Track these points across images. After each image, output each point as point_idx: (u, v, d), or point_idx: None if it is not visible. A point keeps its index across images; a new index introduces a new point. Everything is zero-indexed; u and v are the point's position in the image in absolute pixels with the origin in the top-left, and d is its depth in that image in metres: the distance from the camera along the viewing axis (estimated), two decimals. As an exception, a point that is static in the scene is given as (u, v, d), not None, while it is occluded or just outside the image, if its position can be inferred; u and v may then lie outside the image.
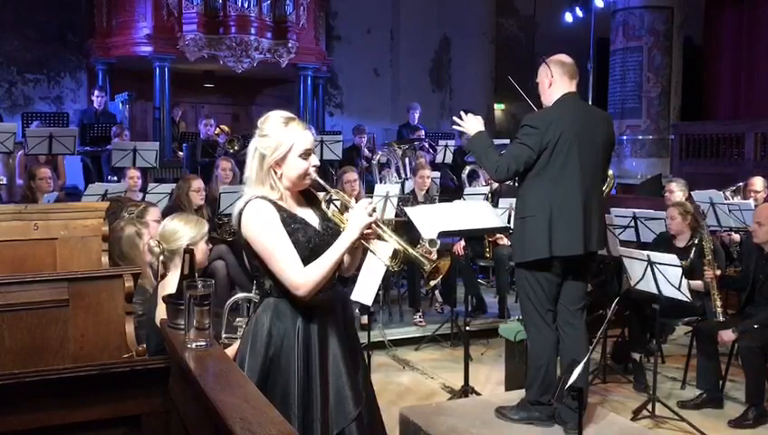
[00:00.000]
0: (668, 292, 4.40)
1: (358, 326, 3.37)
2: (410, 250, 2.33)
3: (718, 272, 4.87)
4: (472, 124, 3.75)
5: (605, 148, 3.73)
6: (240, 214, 2.35)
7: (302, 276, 2.28)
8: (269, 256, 2.31)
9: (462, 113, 3.83)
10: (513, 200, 4.63)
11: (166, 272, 3.00)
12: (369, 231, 2.34)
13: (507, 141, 9.49)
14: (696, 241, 5.10)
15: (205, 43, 10.80)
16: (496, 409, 3.87)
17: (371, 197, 6.35)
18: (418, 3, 14.45)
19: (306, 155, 2.38)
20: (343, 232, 2.34)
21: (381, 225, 2.37)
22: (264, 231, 2.30)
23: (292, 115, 2.44)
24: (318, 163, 2.44)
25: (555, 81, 3.66)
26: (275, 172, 2.37)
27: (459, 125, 3.81)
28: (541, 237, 3.51)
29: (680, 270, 4.34)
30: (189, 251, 2.23)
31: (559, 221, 3.50)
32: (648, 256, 4.44)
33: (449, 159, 9.55)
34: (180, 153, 10.38)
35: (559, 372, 3.67)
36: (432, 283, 2.41)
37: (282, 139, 2.36)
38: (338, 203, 2.50)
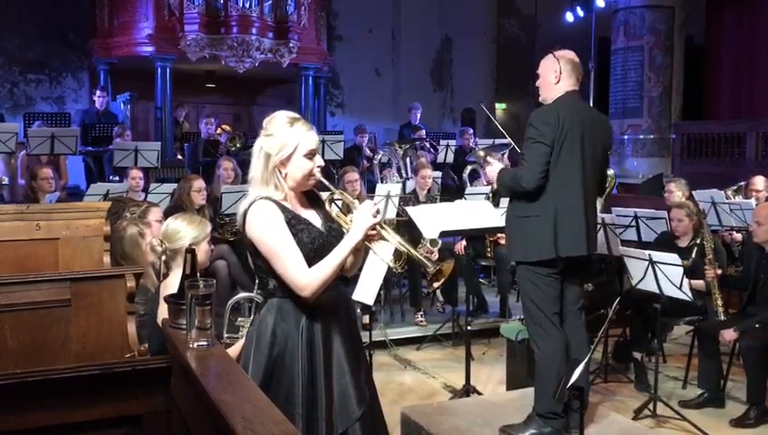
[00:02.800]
0: (670, 291, 4.40)
1: (359, 326, 3.37)
2: (413, 252, 2.33)
3: (719, 271, 4.87)
4: (491, 169, 3.71)
5: (604, 150, 3.70)
6: (244, 214, 2.35)
7: (307, 277, 2.29)
8: (274, 257, 2.31)
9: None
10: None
11: (168, 272, 3.01)
12: (373, 232, 2.34)
13: (509, 141, 9.53)
14: (698, 241, 5.11)
15: (206, 43, 10.80)
16: (501, 428, 3.69)
17: (373, 196, 6.36)
18: (420, 3, 14.46)
19: (311, 155, 2.39)
20: (347, 233, 2.35)
21: (385, 226, 2.37)
22: (269, 232, 2.31)
23: (297, 115, 2.45)
24: (322, 164, 2.45)
25: (562, 78, 3.56)
26: (280, 172, 2.37)
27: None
28: (545, 238, 3.44)
29: (681, 269, 4.34)
30: (191, 251, 2.23)
31: (564, 221, 3.44)
32: (649, 255, 4.44)
33: (450, 158, 9.58)
34: (180, 156, 10.39)
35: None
36: (435, 285, 2.40)
37: (287, 139, 2.36)
38: (341, 204, 2.50)
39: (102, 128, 9.40)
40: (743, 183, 6.97)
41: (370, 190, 6.89)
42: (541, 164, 3.42)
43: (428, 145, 9.77)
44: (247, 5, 10.88)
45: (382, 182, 7.89)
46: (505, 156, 8.49)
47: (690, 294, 4.39)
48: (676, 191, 6.10)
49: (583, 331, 3.68)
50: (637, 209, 5.73)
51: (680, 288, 4.33)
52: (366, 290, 3.86)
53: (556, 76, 3.57)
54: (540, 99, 3.70)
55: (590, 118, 3.61)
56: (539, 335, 3.56)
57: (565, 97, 3.57)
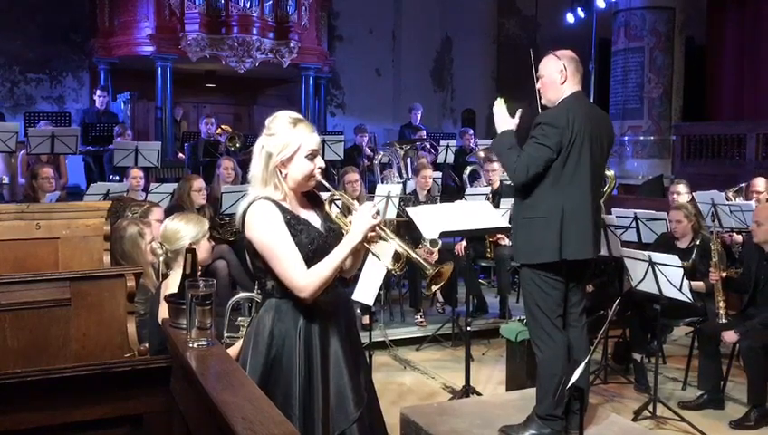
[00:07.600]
0: (670, 292, 4.39)
1: (359, 326, 3.38)
2: (413, 254, 2.32)
3: (724, 274, 4.84)
4: (501, 120, 3.57)
5: (609, 148, 3.68)
6: (244, 214, 2.35)
7: (305, 279, 2.29)
8: (272, 258, 2.31)
9: (500, 101, 3.64)
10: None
11: (168, 271, 3.01)
12: (373, 234, 2.33)
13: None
14: (698, 242, 5.10)
15: (207, 43, 10.81)
16: (500, 429, 3.68)
17: (373, 197, 6.36)
18: (420, 3, 14.46)
19: (312, 156, 2.38)
20: (347, 235, 2.34)
21: (385, 229, 2.37)
22: (268, 232, 2.31)
23: (300, 116, 2.44)
24: (323, 165, 2.44)
25: (569, 77, 3.49)
26: (280, 172, 2.37)
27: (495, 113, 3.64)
28: (551, 240, 3.39)
29: (681, 271, 4.33)
30: (191, 250, 2.24)
31: (571, 224, 3.39)
32: (649, 256, 4.44)
33: (451, 159, 9.57)
34: (181, 154, 10.39)
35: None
36: (434, 288, 2.40)
37: (289, 139, 2.36)
38: (341, 204, 2.50)
39: (103, 127, 9.40)
40: (743, 184, 6.96)
41: (371, 191, 6.89)
42: (537, 166, 3.37)
43: (429, 145, 9.78)
44: (248, 5, 10.89)
45: (383, 182, 7.89)
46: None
47: (690, 296, 4.38)
48: (684, 193, 6.07)
49: (584, 333, 3.66)
50: (636, 210, 5.73)
51: (680, 289, 4.33)
52: (366, 290, 3.86)
53: (563, 75, 3.49)
54: (543, 101, 3.61)
55: (596, 117, 3.55)
56: (541, 338, 3.53)
57: (572, 98, 3.50)
